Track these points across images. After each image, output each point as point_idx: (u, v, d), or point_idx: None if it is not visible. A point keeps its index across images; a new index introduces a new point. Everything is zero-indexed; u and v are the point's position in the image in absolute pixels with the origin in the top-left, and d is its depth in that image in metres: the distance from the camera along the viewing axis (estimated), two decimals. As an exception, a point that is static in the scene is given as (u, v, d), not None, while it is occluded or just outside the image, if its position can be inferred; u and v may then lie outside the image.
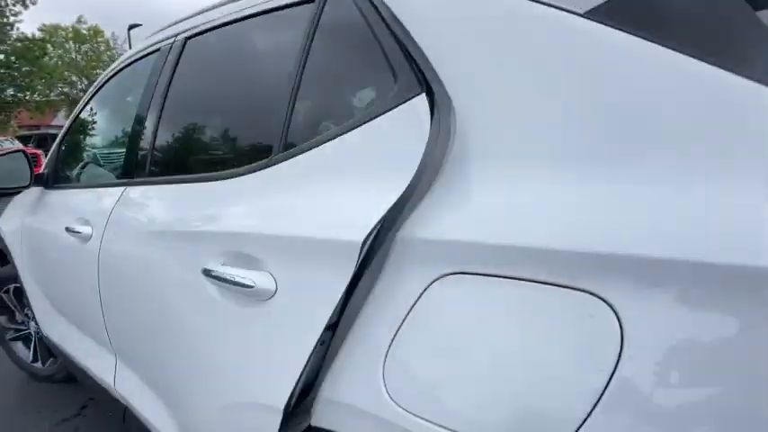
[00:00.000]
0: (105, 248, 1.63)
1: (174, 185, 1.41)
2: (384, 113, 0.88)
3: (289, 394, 0.86)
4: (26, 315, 3.04)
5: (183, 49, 1.57)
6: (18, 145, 14.18)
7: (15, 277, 2.80)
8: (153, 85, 1.66)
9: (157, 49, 1.73)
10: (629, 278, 0.58)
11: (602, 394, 0.58)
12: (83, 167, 2.35)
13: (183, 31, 1.60)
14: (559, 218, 0.65)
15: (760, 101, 0.59)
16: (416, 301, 0.74)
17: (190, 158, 1.53)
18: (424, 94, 0.82)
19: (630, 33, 0.67)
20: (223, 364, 1.06)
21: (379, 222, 0.77)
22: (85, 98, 2.35)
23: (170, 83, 1.57)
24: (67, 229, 1.89)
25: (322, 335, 0.81)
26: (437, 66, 0.83)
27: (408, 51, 0.86)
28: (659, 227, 0.58)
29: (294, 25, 1.14)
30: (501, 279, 0.67)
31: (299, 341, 0.86)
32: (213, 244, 1.09)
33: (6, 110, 25.62)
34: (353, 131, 0.93)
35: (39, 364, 3.05)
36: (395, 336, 0.76)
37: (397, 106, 0.86)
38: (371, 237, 0.77)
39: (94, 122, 2.36)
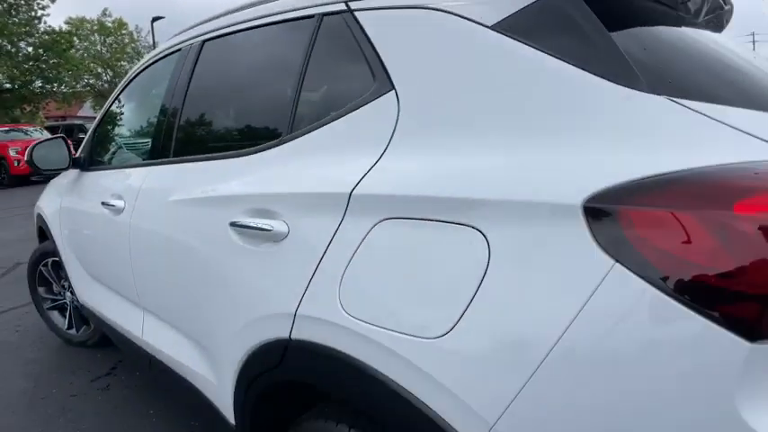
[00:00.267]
0: (135, 218, 1.94)
1: (195, 164, 1.70)
2: (359, 108, 1.16)
3: (297, 303, 1.15)
4: (62, 286, 3.38)
5: (201, 50, 1.85)
6: (47, 135, 14.75)
7: (53, 251, 3.13)
8: (175, 80, 1.96)
9: (179, 50, 2.02)
10: (491, 214, 0.86)
11: (477, 288, 0.85)
12: (114, 151, 2.66)
13: (202, 34, 1.88)
14: (455, 176, 0.93)
15: (602, 96, 0.84)
16: (363, 239, 1.03)
17: (208, 142, 1.81)
18: (390, 92, 1.10)
19: (520, 42, 0.93)
20: (244, 291, 1.35)
21: (359, 181, 1.06)
22: (116, 92, 2.66)
23: (190, 79, 1.86)
24: (103, 204, 2.21)
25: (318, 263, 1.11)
26: (390, 71, 1.11)
27: (374, 61, 1.14)
28: (508, 179, 0.86)
29: (297, 36, 1.41)
30: (417, 220, 0.95)
31: (305, 270, 1.14)
32: (239, 203, 1.37)
33: (35, 101, 26.32)
34: (340, 119, 1.21)
35: (73, 331, 3.39)
36: (348, 264, 1.05)
37: (368, 102, 1.14)
38: (353, 191, 1.06)
39: (124, 113, 2.67)
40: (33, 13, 24.03)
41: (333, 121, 1.21)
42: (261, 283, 1.28)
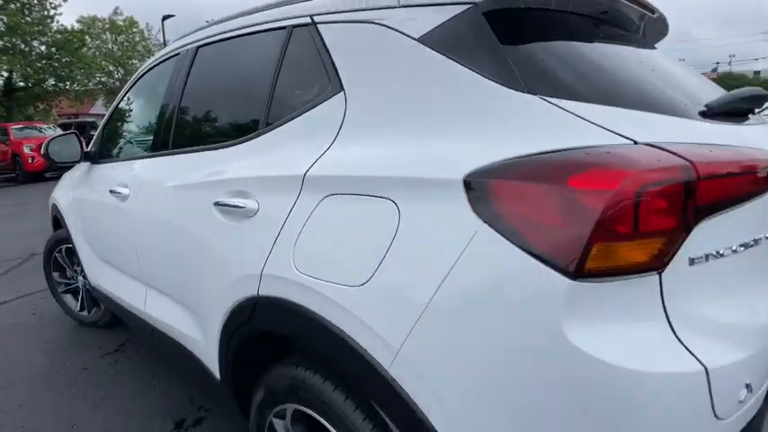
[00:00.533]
0: (138, 203, 2.21)
1: (189, 155, 1.95)
2: (317, 106, 1.40)
3: (263, 265, 1.39)
4: (75, 271, 3.65)
5: (195, 55, 2.10)
6: (59, 132, 15.12)
7: (67, 238, 3.40)
8: (174, 81, 2.21)
9: (177, 54, 2.27)
10: (401, 189, 1.09)
11: (389, 247, 1.08)
12: (121, 146, 2.92)
13: (197, 41, 2.12)
14: (379, 161, 1.17)
15: (489, 95, 1.06)
16: (312, 212, 1.27)
17: (201, 136, 2.06)
18: (340, 93, 1.34)
19: (438, 51, 1.15)
20: (225, 259, 1.59)
21: (311, 165, 1.30)
22: (123, 91, 2.92)
23: (186, 80, 2.11)
24: (111, 192, 2.46)
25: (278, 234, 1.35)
26: (341, 75, 1.34)
27: (330, 67, 1.38)
28: (415, 162, 1.10)
29: (272, 44, 1.64)
30: (351, 195, 1.19)
31: (269, 238, 1.38)
32: (222, 186, 1.62)
33: (48, 99, 26.79)
34: (303, 116, 1.45)
35: (85, 313, 3.66)
36: (300, 232, 1.29)
37: (324, 102, 1.38)
38: (306, 173, 1.30)
39: (130, 110, 2.93)
40: (46, 13, 24.44)
41: (297, 117, 1.45)
42: (237, 252, 1.52)
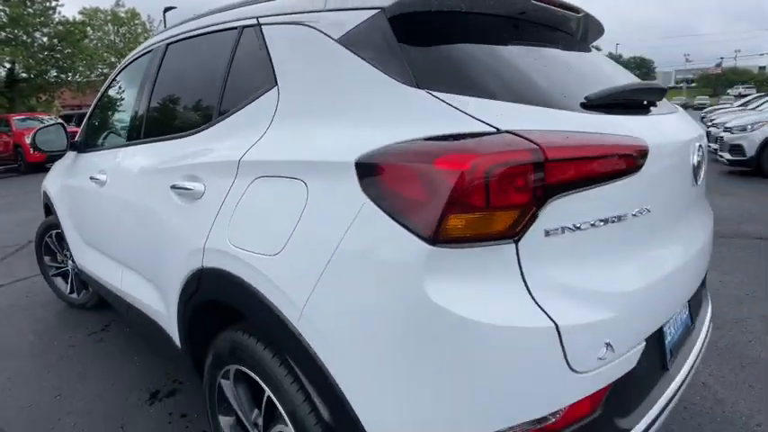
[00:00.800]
0: (113, 188, 2.39)
1: (156, 143, 2.12)
2: (255, 100, 1.56)
3: (205, 240, 1.57)
4: (65, 255, 3.83)
5: (165, 52, 2.27)
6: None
7: (56, 224, 3.58)
8: (147, 76, 2.38)
9: (151, 50, 2.44)
10: (309, 170, 1.25)
11: (298, 221, 1.24)
12: (103, 135, 3.09)
13: (167, 38, 2.29)
14: (295, 146, 1.34)
15: (385, 89, 1.20)
16: (244, 192, 1.44)
17: (166, 126, 2.22)
18: (275, 88, 1.49)
19: (351, 51, 1.29)
20: (179, 235, 1.76)
21: (246, 152, 1.46)
22: (106, 84, 3.09)
23: (156, 75, 2.29)
24: (91, 178, 2.64)
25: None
26: (276, 70, 1.50)
27: (268, 64, 1.54)
28: (321, 147, 1.26)
29: (225, 43, 1.80)
30: (273, 177, 1.36)
31: (211, 216, 1.55)
32: (178, 171, 1.80)
33: (50, 90, 27.00)
34: (244, 108, 1.61)
35: (74, 295, 3.85)
36: (234, 210, 1.46)
37: (261, 96, 1.54)
38: (241, 159, 1.47)
39: (111, 103, 3.09)
40: (48, 4, 24.57)
41: (241, 109, 1.61)
42: (188, 228, 1.69)
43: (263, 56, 1.57)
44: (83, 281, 3.63)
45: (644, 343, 1.25)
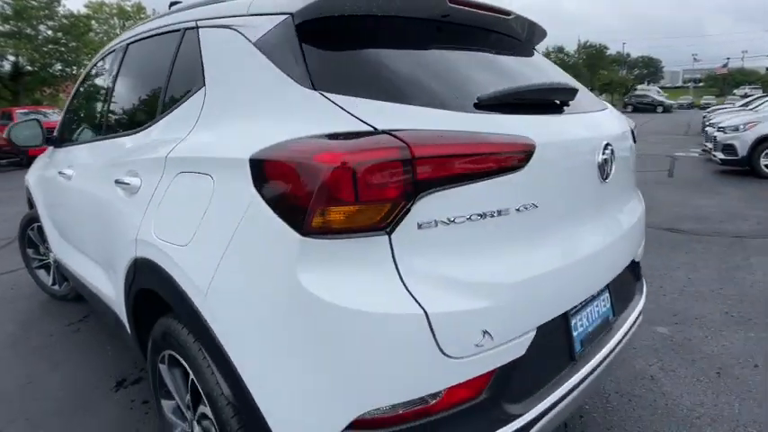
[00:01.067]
0: (76, 182, 2.50)
1: (112, 140, 2.23)
2: (187, 100, 1.64)
3: (137, 232, 1.67)
4: (46, 248, 3.93)
5: (125, 52, 2.36)
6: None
7: (38, 218, 3.68)
8: (108, 75, 2.48)
9: (114, 50, 2.54)
10: (215, 166, 1.34)
11: (204, 213, 1.33)
12: (74, 132, 3.18)
13: (128, 38, 2.37)
14: (208, 144, 1.43)
15: (286, 90, 1.27)
16: (168, 187, 1.53)
17: (120, 124, 2.33)
18: (203, 88, 1.58)
19: (263, 53, 1.36)
20: (121, 226, 1.85)
21: (172, 149, 1.56)
22: (78, 82, 3.19)
23: (117, 75, 2.39)
24: (60, 173, 2.75)
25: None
26: (205, 71, 1.59)
27: (200, 65, 1.62)
28: (225, 144, 1.35)
29: (170, 45, 1.88)
30: (190, 173, 1.45)
31: (143, 209, 1.65)
32: (122, 167, 1.91)
33: (55, 83, 27.16)
34: (178, 108, 1.70)
35: (56, 287, 3.95)
36: (159, 203, 1.56)
37: (192, 95, 1.63)
38: (167, 155, 1.56)
39: (80, 100, 3.20)
40: (53, -3, 24.76)
41: (176, 108, 1.71)
42: (128, 221, 1.79)
43: (197, 57, 1.65)
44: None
45: (534, 332, 1.31)
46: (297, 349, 1.14)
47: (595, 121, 1.70)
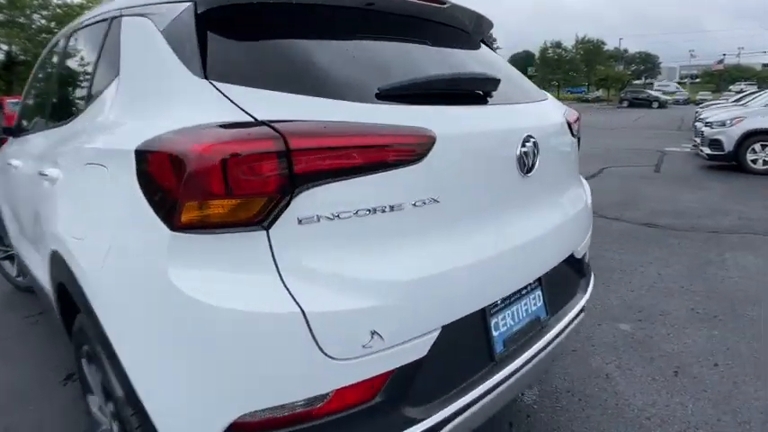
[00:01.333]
0: (19, 172, 2.47)
1: (46, 131, 2.21)
2: (106, 89, 1.60)
3: (55, 225, 1.63)
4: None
5: (68, 41, 2.31)
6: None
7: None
8: (55, 63, 2.44)
9: (59, 39, 2.49)
10: (109, 157, 1.32)
11: (101, 203, 1.31)
12: (26, 123, 3.14)
13: (73, 27, 2.32)
14: (107, 135, 1.40)
15: (180, 79, 1.22)
16: (75, 178, 1.51)
17: (54, 115, 2.29)
18: (117, 77, 1.53)
19: (167, 42, 1.30)
20: (44, 218, 1.84)
21: (84, 140, 1.53)
22: (32, 73, 3.14)
23: (60, 64, 2.35)
24: (8, 164, 2.71)
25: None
26: (121, 60, 1.53)
27: (118, 54, 1.57)
28: (118, 137, 1.32)
29: (99, 34, 1.83)
30: (95, 165, 1.40)
31: (59, 201, 1.64)
32: (46, 158, 1.89)
33: (48, 73, 27.00)
34: (98, 99, 1.66)
35: (20, 278, 3.91)
36: (68, 195, 1.54)
37: (110, 85, 1.58)
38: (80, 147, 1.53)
39: (33, 91, 3.15)
40: (46, -14, 24.60)
41: (96, 99, 1.67)
42: (49, 213, 1.77)
43: (117, 46, 1.60)
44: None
45: (439, 331, 1.25)
46: (174, 349, 1.10)
47: (518, 113, 1.64)
